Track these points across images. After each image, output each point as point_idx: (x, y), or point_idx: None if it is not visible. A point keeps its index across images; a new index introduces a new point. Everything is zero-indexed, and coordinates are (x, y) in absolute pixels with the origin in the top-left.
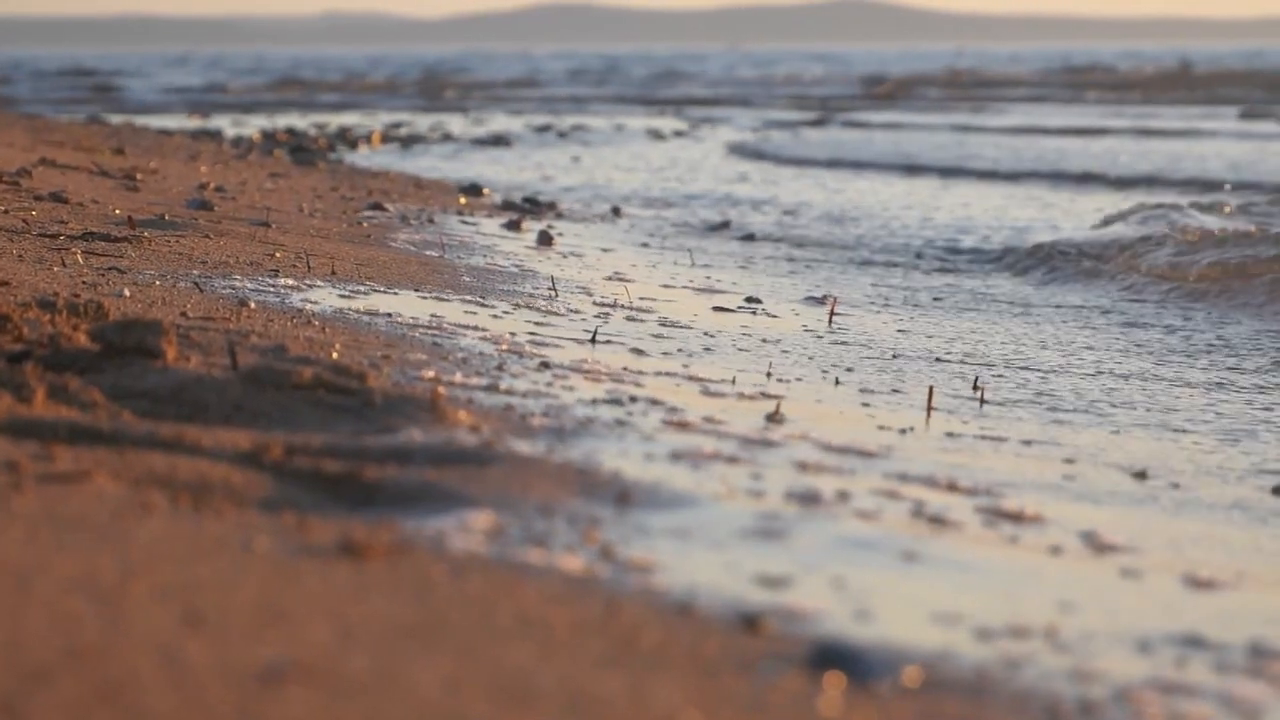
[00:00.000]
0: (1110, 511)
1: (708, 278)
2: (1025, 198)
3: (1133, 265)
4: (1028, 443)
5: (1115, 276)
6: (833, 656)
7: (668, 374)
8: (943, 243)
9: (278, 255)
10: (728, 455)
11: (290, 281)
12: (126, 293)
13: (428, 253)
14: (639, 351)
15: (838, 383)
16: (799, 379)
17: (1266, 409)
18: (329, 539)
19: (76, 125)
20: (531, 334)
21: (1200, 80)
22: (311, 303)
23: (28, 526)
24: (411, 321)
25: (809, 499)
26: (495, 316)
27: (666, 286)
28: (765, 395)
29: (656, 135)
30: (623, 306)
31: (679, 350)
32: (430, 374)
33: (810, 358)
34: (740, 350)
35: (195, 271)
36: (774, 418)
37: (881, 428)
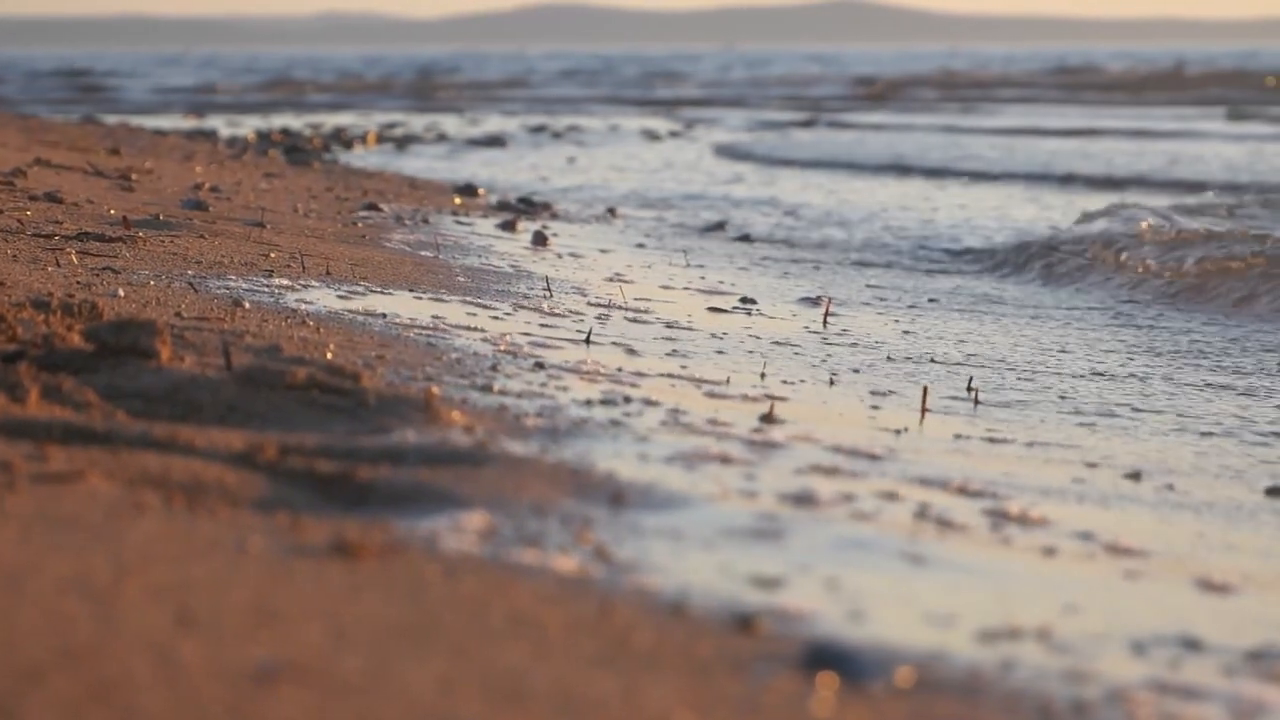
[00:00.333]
0: (1106, 512)
1: (703, 278)
2: (1021, 199)
3: (1123, 264)
4: (1023, 444)
5: (1107, 276)
6: (826, 657)
7: (662, 374)
8: (936, 243)
9: (272, 255)
10: (722, 456)
11: (285, 282)
12: (121, 293)
13: (422, 253)
14: (633, 352)
15: (832, 383)
16: (794, 379)
17: (1262, 409)
18: (322, 539)
19: (71, 125)
20: (526, 334)
21: (1192, 81)
22: (306, 303)
23: (21, 526)
24: (406, 322)
25: (803, 499)
26: (490, 317)
27: (662, 287)
28: (760, 396)
29: (652, 136)
30: (618, 307)
31: (673, 351)
32: (424, 374)
33: (805, 358)
34: (735, 351)
35: (190, 272)
36: (769, 418)
37: (876, 428)
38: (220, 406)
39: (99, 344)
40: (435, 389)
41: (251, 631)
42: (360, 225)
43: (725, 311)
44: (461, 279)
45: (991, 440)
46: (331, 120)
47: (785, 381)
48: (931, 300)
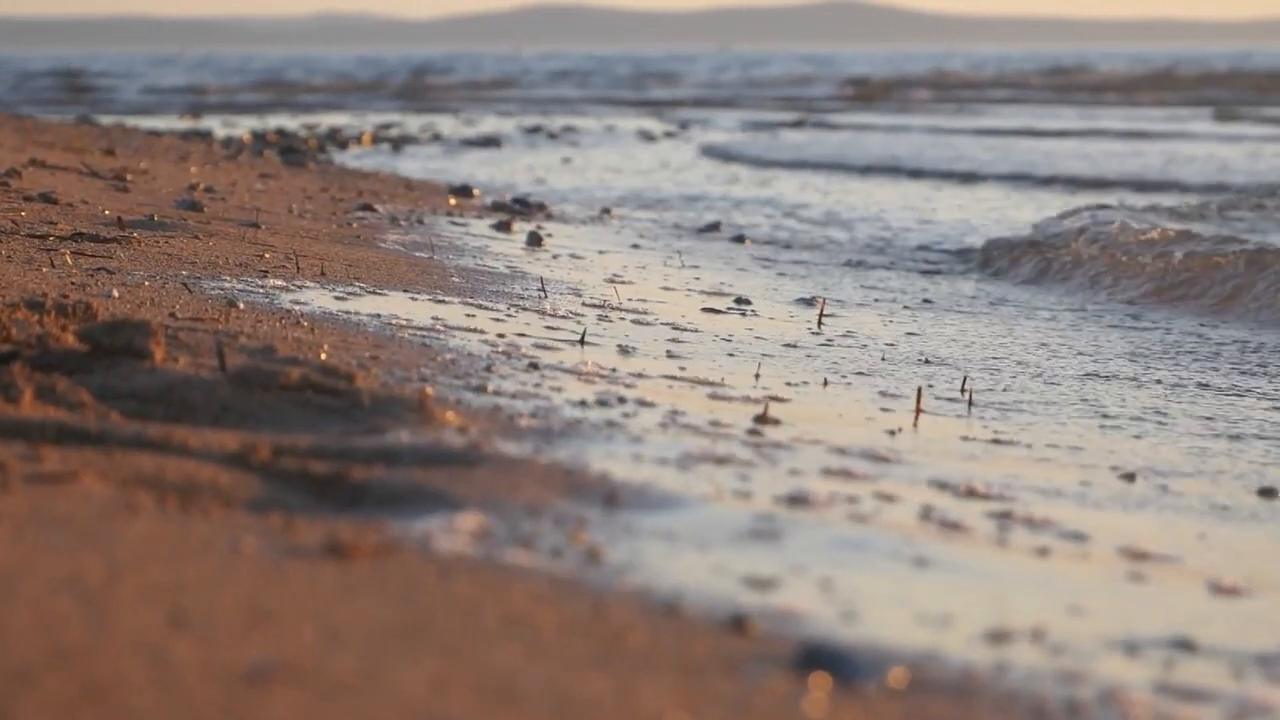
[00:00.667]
0: (1100, 513)
1: (698, 279)
2: (1013, 199)
3: (1110, 264)
4: (1017, 444)
5: (1094, 277)
6: (819, 657)
7: (656, 375)
8: (931, 244)
9: (267, 256)
10: (716, 456)
11: (279, 282)
12: (115, 293)
13: (417, 254)
14: (628, 353)
15: (827, 384)
16: (789, 380)
17: (1251, 409)
18: (316, 540)
19: (66, 126)
20: (520, 335)
21: (1183, 82)
22: (300, 303)
23: (14, 527)
24: (400, 322)
25: (797, 500)
26: (484, 318)
27: (657, 288)
28: (754, 397)
29: (647, 136)
30: (612, 308)
31: (668, 351)
32: (418, 375)
33: (800, 359)
34: (729, 351)
35: (184, 272)
36: (763, 419)
37: (871, 429)
38: (214, 407)
39: (93, 344)
40: (429, 390)
41: (244, 632)
42: (355, 226)
43: (720, 312)
44: (456, 280)
45: (986, 441)
46: (327, 121)
47: (780, 382)
48: (926, 301)
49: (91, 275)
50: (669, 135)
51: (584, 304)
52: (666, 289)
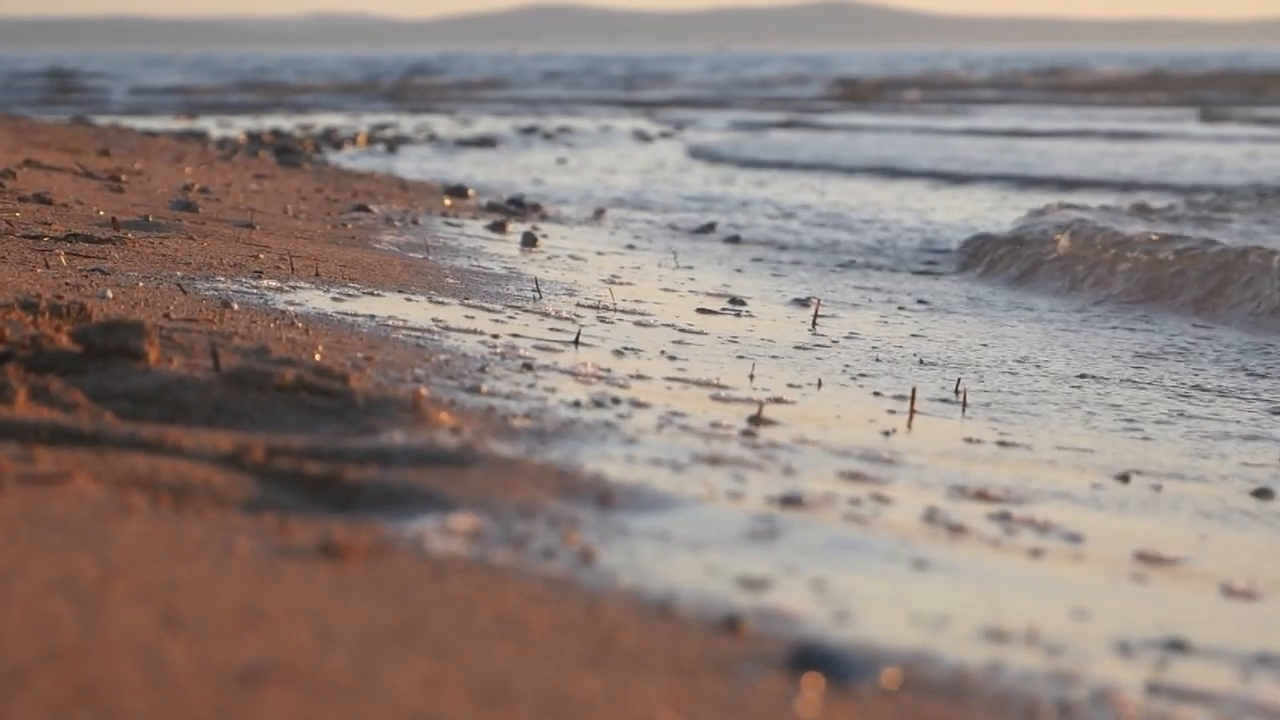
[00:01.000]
0: (1096, 514)
1: (693, 279)
2: (1006, 200)
3: (1094, 264)
4: (1011, 444)
5: (1077, 277)
6: (812, 658)
7: (651, 376)
8: (925, 244)
9: (261, 257)
10: (710, 457)
11: (274, 283)
12: (110, 294)
13: (412, 254)
14: (622, 353)
15: (821, 384)
16: (783, 381)
17: (1241, 410)
18: (310, 540)
19: (61, 126)
20: (515, 336)
21: (1175, 83)
22: (295, 304)
23: (7, 527)
24: (394, 323)
25: (790, 500)
26: (479, 319)
27: (652, 288)
28: (748, 397)
29: (642, 137)
30: (607, 308)
31: (662, 352)
32: (412, 375)
33: (794, 359)
34: (724, 352)
35: (179, 273)
36: (757, 419)
37: (865, 429)
38: (208, 408)
39: (87, 345)
40: (423, 390)
41: (238, 632)
42: (350, 226)
43: (715, 313)
44: (451, 280)
45: (980, 442)
46: (322, 121)
47: (775, 383)
48: (921, 302)
49: (86, 276)
50: (665, 136)
51: (579, 305)
52: (662, 290)
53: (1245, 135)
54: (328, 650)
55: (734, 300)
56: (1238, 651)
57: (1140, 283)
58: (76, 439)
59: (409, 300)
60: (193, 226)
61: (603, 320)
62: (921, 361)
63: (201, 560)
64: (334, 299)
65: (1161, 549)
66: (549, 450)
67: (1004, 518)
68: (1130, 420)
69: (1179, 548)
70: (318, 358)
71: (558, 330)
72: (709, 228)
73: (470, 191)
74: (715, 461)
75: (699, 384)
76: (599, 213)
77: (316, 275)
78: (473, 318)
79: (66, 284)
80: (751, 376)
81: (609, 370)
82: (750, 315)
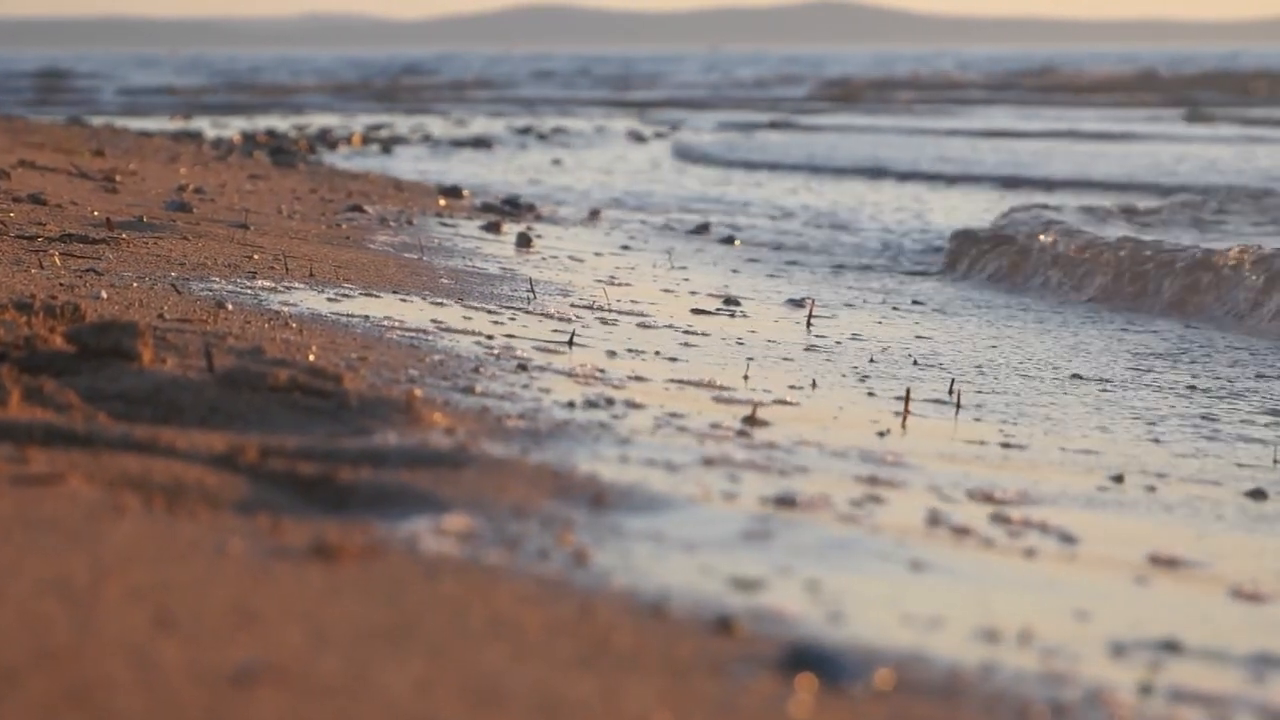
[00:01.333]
0: (1091, 514)
1: (687, 280)
2: (999, 200)
3: (1083, 262)
4: (1004, 445)
5: (1060, 277)
6: (805, 659)
7: (645, 376)
8: (918, 244)
9: (256, 257)
10: (704, 457)
11: (268, 283)
12: (104, 295)
13: (406, 255)
14: (616, 353)
15: (815, 384)
16: (777, 381)
17: (1234, 411)
18: (303, 541)
19: (56, 127)
20: (509, 336)
21: (1165, 84)
22: (289, 305)
23: (1, 528)
24: (389, 323)
25: (785, 501)
26: (473, 318)
27: (647, 289)
28: (743, 398)
29: (637, 137)
30: (601, 308)
31: (657, 352)
32: (406, 376)
33: (789, 360)
34: (719, 353)
35: (173, 273)
36: (752, 420)
37: (859, 430)
38: (202, 408)
39: (81, 346)
40: (417, 391)
41: (230, 633)
42: (345, 227)
43: (709, 313)
44: (445, 281)
45: (974, 442)
46: (317, 121)
47: (769, 383)
48: (916, 302)
49: (80, 276)
50: (659, 136)
51: (573, 305)
52: (657, 290)
53: (1232, 135)
54: (320, 651)
55: (729, 301)
56: (1233, 652)
57: (1110, 282)
58: (70, 440)
59: (403, 301)
60: (187, 227)
61: (598, 321)
62: (916, 362)
63: (194, 561)
64: (328, 299)
65: (1157, 549)
66: (543, 451)
67: (998, 519)
68: (1126, 420)
69: (1175, 548)
70: (311, 358)
71: (552, 330)
72: (704, 228)
73: (465, 192)
74: (710, 462)
75: (694, 384)
76: (594, 213)
77: (311, 276)
78: (468, 318)
79: (61, 284)
80: (746, 377)
81: (603, 370)
82: (745, 316)
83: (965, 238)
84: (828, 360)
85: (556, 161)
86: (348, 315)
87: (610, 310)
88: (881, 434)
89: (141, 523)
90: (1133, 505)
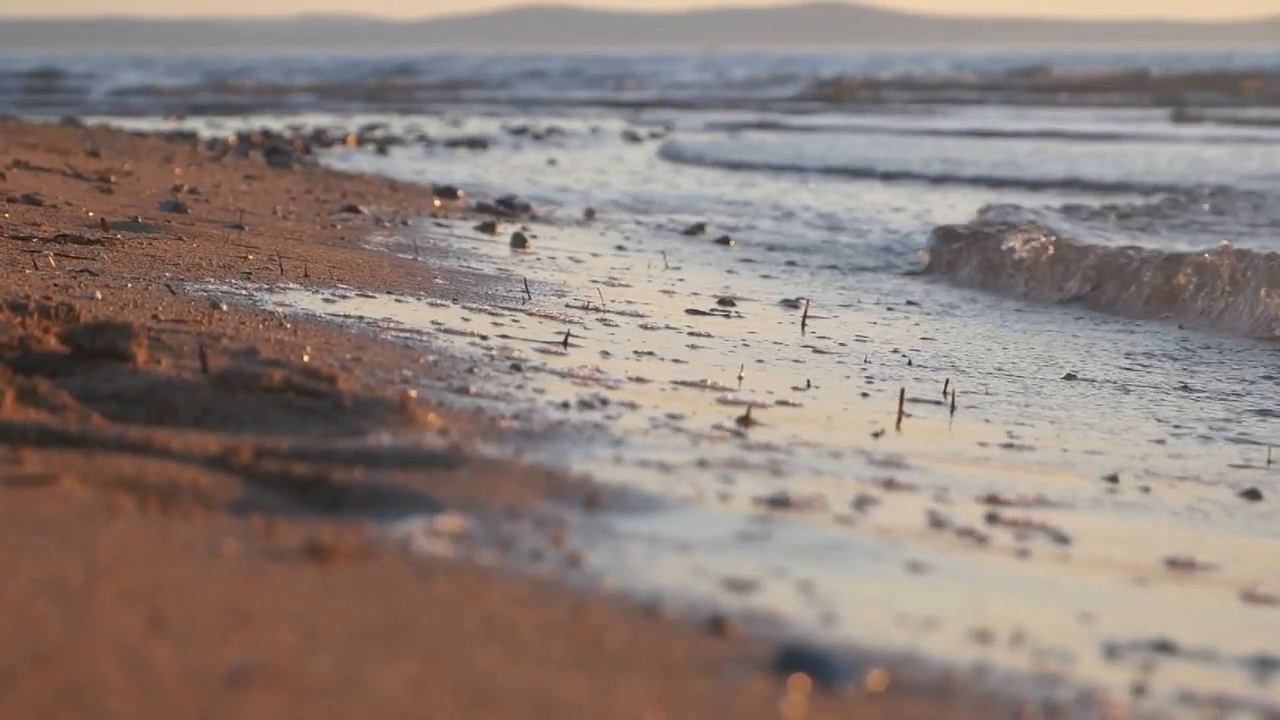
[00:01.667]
0: (1085, 515)
1: (682, 280)
2: (991, 200)
3: (1067, 261)
4: (1000, 445)
5: (1049, 279)
6: (798, 659)
7: (639, 376)
8: (914, 245)
9: (250, 258)
10: (698, 458)
11: (262, 284)
12: (98, 295)
13: (401, 255)
14: (610, 354)
15: (809, 385)
16: (772, 382)
17: (1228, 411)
18: (296, 542)
19: (51, 127)
20: (504, 336)
21: (1156, 84)
22: (283, 305)
23: None
24: (383, 324)
25: (778, 502)
26: (467, 319)
27: (642, 290)
28: (737, 398)
29: (632, 138)
30: (596, 309)
31: (651, 353)
32: (400, 376)
33: (784, 360)
34: (713, 353)
35: (167, 274)
36: (746, 421)
37: (854, 430)
38: (196, 409)
39: (75, 346)
40: (411, 391)
41: (224, 634)
42: (339, 227)
43: (704, 313)
44: (440, 281)
45: (969, 442)
46: (312, 122)
47: (764, 383)
48: (910, 303)
49: (74, 277)
50: (654, 136)
51: (568, 306)
52: (652, 291)
53: (1219, 135)
54: (313, 652)
55: (724, 301)
56: (1228, 652)
57: (1117, 283)
58: (64, 440)
59: (398, 301)
60: (182, 227)
61: (593, 321)
62: (910, 362)
63: (188, 562)
64: (323, 300)
65: (1153, 550)
66: (537, 451)
67: (993, 519)
68: (1120, 421)
69: (1170, 549)
70: (306, 359)
71: (546, 331)
72: (699, 229)
73: (460, 192)
74: (704, 463)
75: (689, 385)
76: (589, 214)
77: (305, 276)
78: (463, 319)
79: (55, 285)
80: (740, 377)
81: (597, 370)
82: (740, 316)
83: (951, 235)
84: (823, 360)
85: (551, 162)
86: (342, 316)
87: (604, 310)
88: (877, 435)
89: (135, 523)
90: (1128, 506)
